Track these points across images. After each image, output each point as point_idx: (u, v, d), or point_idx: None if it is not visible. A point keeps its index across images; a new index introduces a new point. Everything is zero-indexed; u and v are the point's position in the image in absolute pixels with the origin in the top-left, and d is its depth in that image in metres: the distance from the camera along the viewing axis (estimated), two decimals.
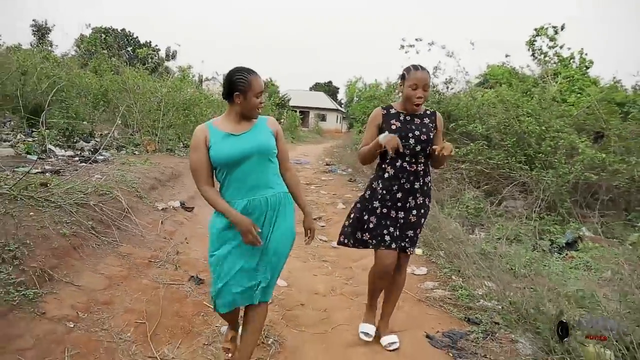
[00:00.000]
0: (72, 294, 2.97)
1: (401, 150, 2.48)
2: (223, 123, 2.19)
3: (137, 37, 50.42)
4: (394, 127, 2.58)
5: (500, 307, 3.27)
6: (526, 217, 5.65)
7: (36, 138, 7.17)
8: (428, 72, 2.57)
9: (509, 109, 6.52)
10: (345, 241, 2.80)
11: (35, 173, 4.85)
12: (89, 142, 8.12)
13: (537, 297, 3.00)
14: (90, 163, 6.10)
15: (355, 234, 2.73)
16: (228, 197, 2.15)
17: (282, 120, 28.40)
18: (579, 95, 10.27)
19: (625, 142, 6.78)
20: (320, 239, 5.31)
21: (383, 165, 2.66)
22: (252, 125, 2.21)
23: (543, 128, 5.90)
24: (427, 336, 2.98)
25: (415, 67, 2.56)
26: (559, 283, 3.39)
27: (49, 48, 23.38)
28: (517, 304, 3.11)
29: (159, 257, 3.94)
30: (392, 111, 2.66)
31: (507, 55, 12.58)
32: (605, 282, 3.56)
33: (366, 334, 2.86)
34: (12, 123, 8.54)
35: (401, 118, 2.62)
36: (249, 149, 2.12)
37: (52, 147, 6.97)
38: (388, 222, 2.62)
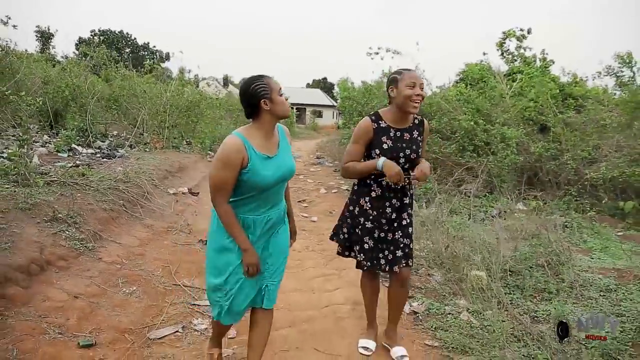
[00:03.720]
0: (117, 248, 4.18)
1: (401, 185, 2.43)
2: (256, 140, 2.04)
3: (135, 38, 51.48)
4: (385, 146, 2.44)
5: (425, 254, 4.48)
6: (475, 196, 6.87)
7: (60, 139, 8.34)
8: None
9: (456, 108, 7.73)
10: (341, 251, 2.75)
11: (70, 166, 6.03)
12: (104, 142, 9.31)
13: (447, 243, 4.21)
14: (110, 159, 7.31)
15: (351, 248, 2.65)
16: (246, 212, 2.10)
17: None
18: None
19: (565, 133, 7.94)
20: (303, 215, 6.51)
21: (368, 181, 2.52)
22: (278, 141, 2.15)
23: (473, 124, 7.07)
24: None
25: (407, 69, 2.47)
26: (471, 236, 4.59)
27: (53, 53, 24.56)
28: (436, 249, 4.31)
29: (174, 227, 5.16)
30: (382, 125, 2.47)
31: (484, 54, 13.58)
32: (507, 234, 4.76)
33: (365, 348, 2.84)
34: (35, 127, 9.71)
35: (391, 135, 2.46)
36: (283, 175, 2.11)
37: (76, 146, 8.15)
38: (384, 246, 2.54)
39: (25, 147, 4.84)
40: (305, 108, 48.13)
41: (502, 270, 3.73)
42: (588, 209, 5.88)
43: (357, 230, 2.58)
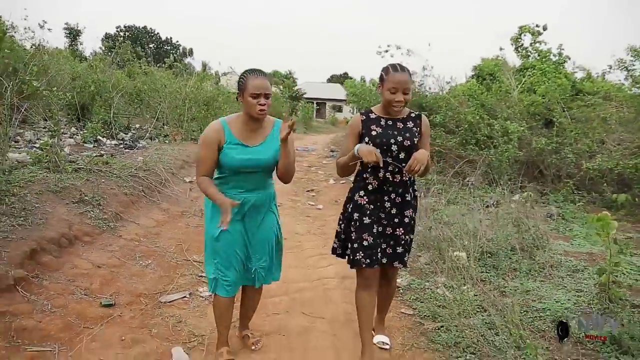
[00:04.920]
0: (136, 227, 4.67)
1: (381, 165, 2.30)
2: (237, 127, 2.26)
3: (158, 33, 52.51)
4: (374, 132, 2.38)
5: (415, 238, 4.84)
6: (476, 188, 7.16)
7: (87, 131, 8.93)
8: (409, 71, 2.38)
9: (462, 103, 8.00)
10: (340, 252, 2.64)
11: (96, 156, 6.57)
12: (127, 134, 9.89)
13: (429, 225, 4.56)
14: (132, 149, 7.85)
15: (346, 250, 2.54)
16: (224, 189, 2.30)
17: (297, 113, 30.17)
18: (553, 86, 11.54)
19: (570, 127, 8.10)
20: (310, 204, 6.93)
21: (364, 175, 2.44)
22: (267, 135, 2.31)
23: (478, 118, 7.34)
24: None
25: (395, 68, 2.35)
26: (459, 222, 4.92)
27: (81, 49, 25.55)
28: (424, 233, 4.66)
29: (188, 211, 5.64)
30: (372, 116, 2.45)
31: (501, 49, 13.55)
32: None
33: (383, 342, 2.78)
34: (64, 119, 10.36)
35: (382, 123, 2.41)
36: (257, 165, 2.27)
37: (100, 138, 8.73)
38: (383, 240, 2.45)
39: (56, 137, 5.36)
40: (325, 103, 48.44)
41: (480, 252, 4.06)
42: (577, 199, 6.11)
43: (351, 228, 2.47)
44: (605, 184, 6.96)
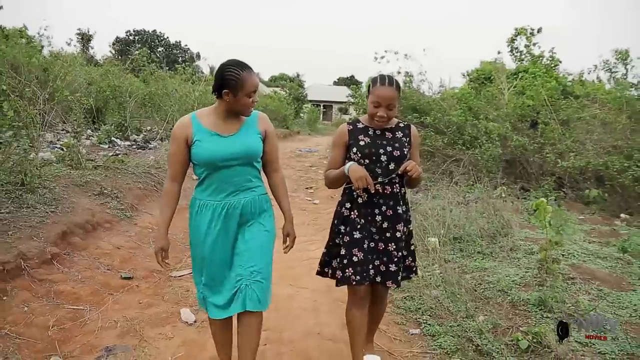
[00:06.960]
0: (149, 217, 5.29)
1: (372, 191, 2.22)
2: (209, 118, 2.06)
3: (167, 37, 53.42)
4: (362, 142, 2.28)
5: None
6: (462, 185, 7.71)
7: (101, 133, 9.59)
8: (398, 84, 2.23)
9: (451, 106, 8.54)
10: (327, 271, 2.46)
11: (111, 155, 7.21)
12: (139, 136, 10.55)
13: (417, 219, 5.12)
14: (144, 149, 8.50)
15: (337, 269, 2.34)
16: (206, 197, 2.10)
17: (302, 115, 30.83)
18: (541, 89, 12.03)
19: (556, 128, 8.59)
20: (307, 199, 7.51)
21: (353, 187, 2.22)
22: (241, 124, 2.09)
23: (464, 119, 7.88)
24: None
25: (382, 81, 2.21)
26: (437, 214, 5.47)
27: (92, 53, 26.40)
28: None
29: None
30: (360, 126, 2.34)
31: (499, 52, 13.97)
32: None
33: None
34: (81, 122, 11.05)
35: (370, 133, 2.31)
36: (235, 154, 2.03)
37: (115, 139, 9.39)
38: (375, 256, 2.30)
39: (78, 139, 6.01)
40: (332, 105, 49.05)
41: (450, 238, 4.62)
42: (549, 194, 6.63)
43: (339, 242, 2.35)
44: (587, 182, 7.48)
